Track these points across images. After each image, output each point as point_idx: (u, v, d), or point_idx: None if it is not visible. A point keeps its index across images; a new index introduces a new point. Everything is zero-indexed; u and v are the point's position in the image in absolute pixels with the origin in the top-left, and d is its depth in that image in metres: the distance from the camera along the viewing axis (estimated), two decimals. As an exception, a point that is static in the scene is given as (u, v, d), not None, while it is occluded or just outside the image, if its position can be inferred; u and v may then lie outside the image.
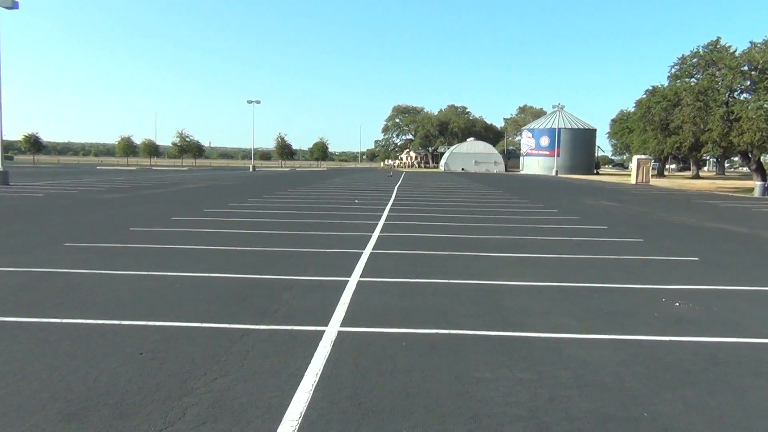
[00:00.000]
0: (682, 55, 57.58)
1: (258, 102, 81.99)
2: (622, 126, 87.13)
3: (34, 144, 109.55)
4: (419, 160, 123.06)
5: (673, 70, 58.28)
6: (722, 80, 48.23)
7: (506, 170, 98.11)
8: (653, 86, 61.40)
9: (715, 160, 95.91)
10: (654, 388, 4.79)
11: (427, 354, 5.47)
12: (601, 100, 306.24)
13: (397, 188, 35.15)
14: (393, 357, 5.37)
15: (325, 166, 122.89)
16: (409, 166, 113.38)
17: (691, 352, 5.74)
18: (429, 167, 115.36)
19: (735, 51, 49.94)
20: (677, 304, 7.59)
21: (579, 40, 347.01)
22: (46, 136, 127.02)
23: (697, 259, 11.20)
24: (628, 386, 4.80)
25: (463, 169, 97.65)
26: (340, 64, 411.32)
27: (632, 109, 75.75)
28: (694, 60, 54.55)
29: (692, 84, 52.36)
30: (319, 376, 4.86)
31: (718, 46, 52.19)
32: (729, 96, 48.34)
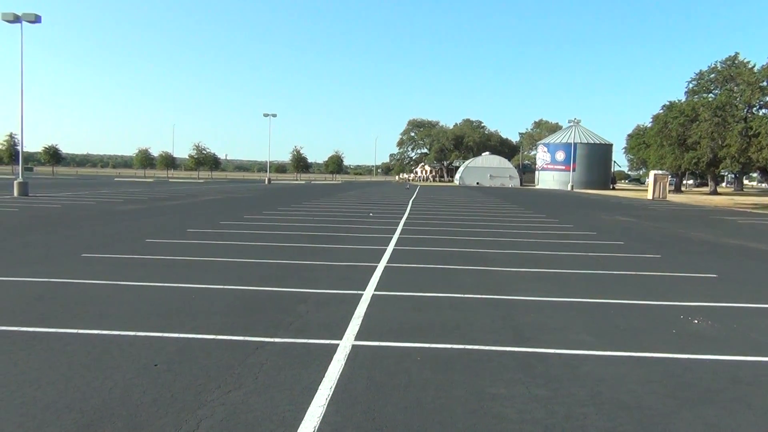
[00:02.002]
0: (700, 70, 57.49)
1: (274, 115, 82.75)
2: (638, 141, 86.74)
3: (53, 156, 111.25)
4: (434, 173, 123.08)
5: (691, 85, 58.16)
6: (740, 96, 47.94)
7: (521, 185, 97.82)
8: (670, 101, 61.35)
9: (733, 175, 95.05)
10: (673, 406, 4.71)
11: (441, 369, 5.43)
12: (617, 115, 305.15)
13: (412, 201, 35.14)
14: (407, 371, 5.33)
15: (339, 179, 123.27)
16: (423, 180, 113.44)
17: (710, 370, 5.65)
18: (444, 181, 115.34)
19: (754, 66, 49.72)
20: (696, 321, 7.49)
21: (595, 54, 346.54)
22: (65, 148, 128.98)
23: (715, 275, 11.06)
24: (646, 404, 4.73)
25: (478, 183, 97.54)
26: (356, 78, 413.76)
27: (649, 124, 75.50)
28: (712, 75, 54.39)
29: (710, 99, 52.16)
30: (333, 389, 4.84)
31: (736, 62, 52.00)
32: (747, 112, 48.01)
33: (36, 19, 31.59)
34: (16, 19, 31.29)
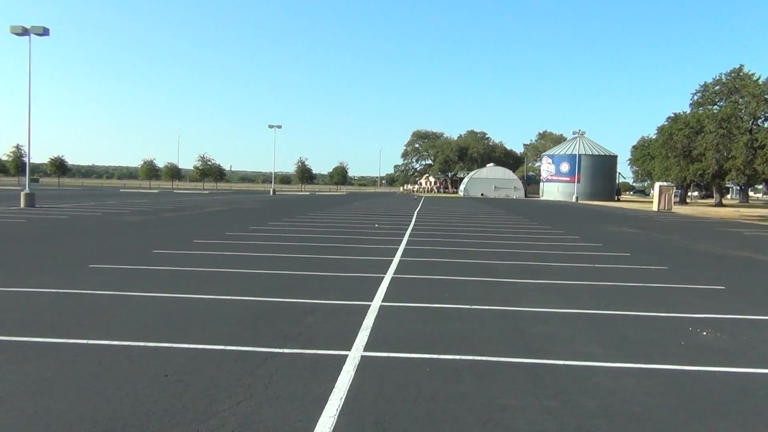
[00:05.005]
0: (705, 82, 57.64)
1: (279, 127, 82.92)
2: (643, 153, 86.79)
3: (59, 167, 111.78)
4: (438, 185, 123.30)
5: (696, 97, 58.25)
6: (746, 108, 48.00)
7: (526, 196, 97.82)
8: (675, 113, 61.45)
9: (738, 187, 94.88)
10: (683, 419, 4.70)
11: (451, 380, 5.43)
12: (622, 126, 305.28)
13: (417, 213, 35.16)
14: (417, 383, 5.33)
15: (344, 190, 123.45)
16: (428, 191, 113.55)
17: (720, 382, 5.64)
18: (448, 192, 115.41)
19: (759, 78, 49.78)
20: (704, 333, 7.47)
21: (600, 66, 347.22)
22: (70, 159, 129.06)
23: (723, 287, 11.03)
24: (657, 416, 4.72)
25: (482, 194, 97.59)
26: (361, 89, 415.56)
27: (654, 136, 75.54)
28: (717, 87, 54.47)
29: (715, 111, 52.19)
30: (343, 400, 4.85)
31: (741, 74, 52.07)
32: (753, 123, 48.02)
33: (44, 32, 31.82)
34: (24, 32, 31.56)
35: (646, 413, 4.77)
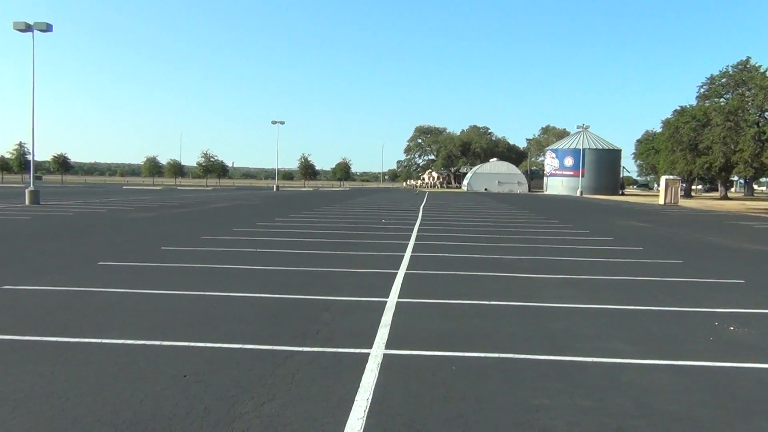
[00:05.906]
0: (711, 75, 57.21)
1: (282, 123, 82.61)
2: (647, 146, 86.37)
3: (62, 164, 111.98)
4: (441, 180, 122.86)
5: (702, 90, 57.83)
6: (753, 100, 47.63)
7: (529, 191, 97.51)
8: (681, 106, 61.01)
9: (743, 181, 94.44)
10: (725, 418, 4.52)
11: (479, 379, 5.25)
12: (625, 120, 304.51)
13: (423, 208, 34.95)
14: (444, 382, 5.16)
15: (347, 186, 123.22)
16: (431, 187, 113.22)
17: (755, 379, 5.46)
18: (451, 187, 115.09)
19: (766, 71, 49.35)
20: (732, 328, 7.28)
21: (603, 60, 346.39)
22: (73, 157, 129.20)
23: (742, 281, 10.83)
24: (697, 416, 4.54)
25: (486, 189, 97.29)
26: (363, 85, 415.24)
27: (658, 130, 75.16)
28: (724, 80, 54.08)
29: (722, 104, 51.82)
30: (370, 401, 4.67)
31: (748, 66, 51.70)
32: (760, 116, 47.66)
33: (47, 28, 31.66)
34: (27, 28, 31.38)
35: (685, 412, 4.59)
